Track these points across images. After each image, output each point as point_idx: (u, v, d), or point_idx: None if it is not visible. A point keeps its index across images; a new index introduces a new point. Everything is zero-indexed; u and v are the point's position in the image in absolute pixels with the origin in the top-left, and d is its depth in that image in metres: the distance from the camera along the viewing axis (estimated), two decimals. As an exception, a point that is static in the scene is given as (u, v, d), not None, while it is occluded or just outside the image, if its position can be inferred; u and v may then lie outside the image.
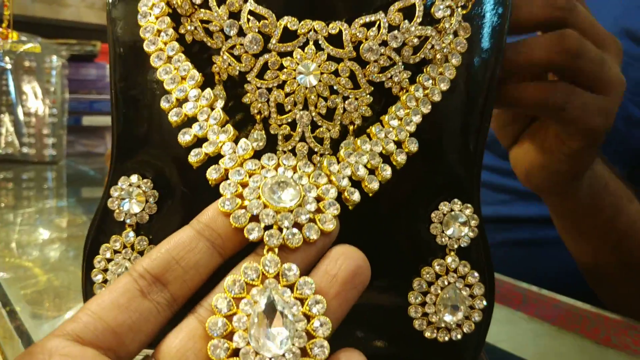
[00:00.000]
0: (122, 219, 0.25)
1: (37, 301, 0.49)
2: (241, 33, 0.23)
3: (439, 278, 0.24)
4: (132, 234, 0.25)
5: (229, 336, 0.18)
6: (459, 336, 0.24)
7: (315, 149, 0.23)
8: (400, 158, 0.23)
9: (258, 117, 0.23)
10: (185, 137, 0.23)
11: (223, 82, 0.24)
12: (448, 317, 0.24)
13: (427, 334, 0.24)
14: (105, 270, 0.25)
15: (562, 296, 0.38)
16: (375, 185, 0.23)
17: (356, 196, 0.22)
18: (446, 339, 0.24)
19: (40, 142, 0.81)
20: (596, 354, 0.31)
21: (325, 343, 0.18)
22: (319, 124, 0.23)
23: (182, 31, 0.24)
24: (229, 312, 0.18)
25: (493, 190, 0.54)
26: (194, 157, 0.23)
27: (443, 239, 0.24)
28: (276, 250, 0.19)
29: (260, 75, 0.23)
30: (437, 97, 0.23)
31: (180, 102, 0.23)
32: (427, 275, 0.24)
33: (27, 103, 0.80)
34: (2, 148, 0.79)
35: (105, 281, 0.25)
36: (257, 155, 0.23)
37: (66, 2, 1.17)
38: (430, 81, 0.23)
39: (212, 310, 0.18)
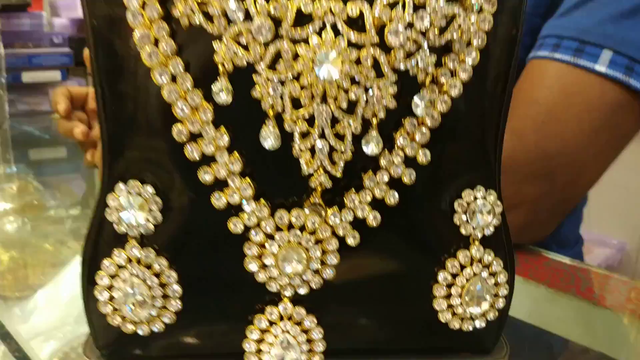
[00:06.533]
0: (123, 231, 0.23)
1: (3, 283, 0.47)
2: (247, 17, 0.20)
3: (463, 269, 0.24)
4: (136, 246, 0.23)
5: None
6: (483, 324, 0.24)
7: (336, 147, 0.22)
8: (410, 178, 0.22)
9: (271, 112, 0.21)
10: (205, 177, 0.22)
11: (228, 73, 0.21)
12: (475, 310, 0.24)
13: (452, 325, 0.24)
14: (110, 287, 0.23)
15: (549, 252, 0.40)
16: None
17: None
18: (470, 328, 0.24)
19: (-21, 107, 0.73)
20: (595, 316, 0.33)
21: None
22: (339, 118, 0.21)
23: (175, 14, 0.21)
24: None
25: None
26: (218, 202, 0.22)
27: (467, 229, 0.24)
28: None
29: (272, 66, 0.20)
30: (455, 92, 0.22)
31: (194, 136, 0.21)
32: (453, 268, 0.24)
33: (-43, 65, 0.71)
34: None
35: (111, 298, 0.23)
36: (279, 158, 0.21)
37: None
38: (448, 76, 0.22)
39: None
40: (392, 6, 0.20)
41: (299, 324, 0.23)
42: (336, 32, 0.20)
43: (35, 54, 0.82)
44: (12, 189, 0.68)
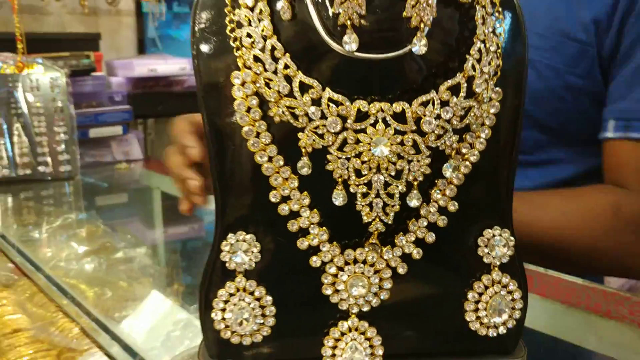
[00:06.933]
0: (232, 268, 0.31)
1: (92, 314, 0.55)
2: (323, 116, 0.28)
3: (487, 289, 0.31)
4: (243, 279, 0.31)
5: None
6: (505, 331, 0.32)
7: (388, 203, 0.30)
8: (443, 222, 0.30)
9: (340, 179, 0.29)
10: (293, 227, 0.30)
11: (308, 153, 0.29)
12: (497, 319, 0.31)
13: (480, 332, 0.32)
14: (223, 309, 0.31)
15: (565, 275, 0.47)
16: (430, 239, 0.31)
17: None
18: (494, 334, 0.32)
19: (55, 159, 0.84)
20: (601, 326, 0.39)
21: None
22: (389, 182, 0.29)
23: (270, 114, 0.29)
24: None
25: None
26: (302, 245, 0.30)
27: (488, 259, 0.31)
28: None
29: (341, 148, 0.29)
30: (474, 159, 0.30)
31: (284, 198, 0.30)
32: (479, 288, 0.31)
33: (37, 123, 0.83)
34: (20, 168, 0.82)
35: (223, 318, 0.31)
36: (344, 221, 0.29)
37: (47, 10, 1.16)
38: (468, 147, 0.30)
39: None
40: (424, 104, 0.28)
41: (363, 333, 0.31)
42: (386, 123, 0.29)
43: (100, 112, 0.94)
44: (83, 232, 0.78)
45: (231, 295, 0.31)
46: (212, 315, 0.31)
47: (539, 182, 0.63)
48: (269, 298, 0.31)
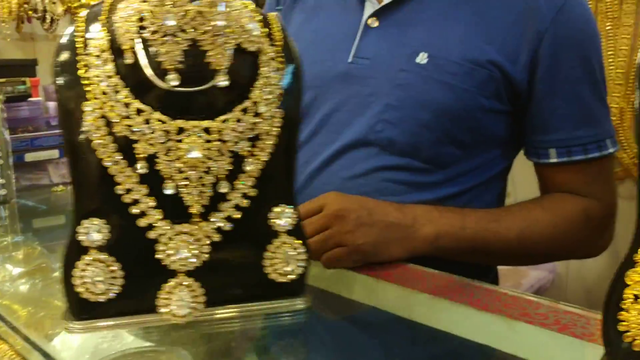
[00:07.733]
0: (87, 245, 0.41)
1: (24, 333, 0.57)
2: (153, 131, 0.41)
3: (278, 248, 0.45)
4: (96, 252, 0.42)
5: None
6: (294, 277, 0.46)
7: (204, 191, 0.43)
8: (246, 203, 0.44)
9: (168, 176, 0.42)
10: (135, 211, 0.41)
11: (144, 158, 0.41)
12: (287, 268, 0.45)
13: (277, 280, 0.45)
14: (82, 276, 0.41)
15: (455, 276, 0.55)
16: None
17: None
18: (287, 280, 0.46)
19: (-10, 184, 0.84)
20: (477, 318, 0.47)
21: None
22: (203, 176, 0.42)
23: (114, 131, 0.41)
24: None
25: (396, 184, 0.69)
26: (141, 223, 0.41)
27: (277, 227, 0.45)
28: None
29: (166, 153, 0.41)
30: (265, 158, 0.44)
31: (128, 190, 0.41)
32: (272, 248, 0.45)
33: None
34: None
35: (83, 283, 0.41)
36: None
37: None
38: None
39: None
40: (224, 121, 0.42)
41: (188, 286, 0.43)
42: (198, 135, 0.42)
43: (36, 137, 0.96)
44: (19, 254, 0.78)
45: (87, 265, 0.42)
46: (73, 280, 0.41)
47: (449, 192, 0.69)
48: (118, 264, 0.42)
